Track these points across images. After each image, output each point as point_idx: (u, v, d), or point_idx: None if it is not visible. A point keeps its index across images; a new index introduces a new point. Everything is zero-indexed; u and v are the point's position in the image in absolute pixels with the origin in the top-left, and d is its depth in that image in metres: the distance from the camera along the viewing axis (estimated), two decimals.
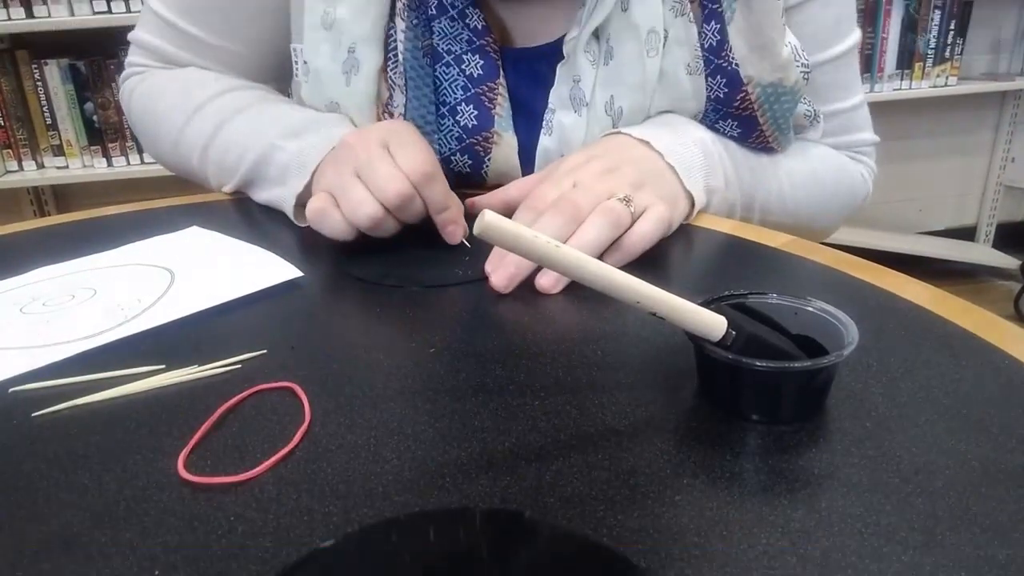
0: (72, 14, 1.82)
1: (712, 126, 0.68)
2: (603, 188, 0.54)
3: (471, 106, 0.67)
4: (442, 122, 0.68)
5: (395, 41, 0.65)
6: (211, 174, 0.71)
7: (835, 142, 0.77)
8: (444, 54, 0.66)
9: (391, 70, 0.66)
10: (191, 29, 0.73)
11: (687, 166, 0.61)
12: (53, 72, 1.93)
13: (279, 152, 0.63)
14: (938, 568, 0.26)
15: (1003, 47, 2.55)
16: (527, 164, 0.69)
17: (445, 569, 0.26)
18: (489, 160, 0.68)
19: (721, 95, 0.65)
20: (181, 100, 0.72)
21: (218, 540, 0.28)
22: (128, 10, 1.82)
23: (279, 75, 0.75)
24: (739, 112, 0.66)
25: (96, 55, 1.93)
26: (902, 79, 2.37)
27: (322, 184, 0.58)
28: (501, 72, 0.67)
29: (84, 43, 1.90)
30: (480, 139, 0.68)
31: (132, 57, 0.79)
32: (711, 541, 0.27)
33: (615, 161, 0.58)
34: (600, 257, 0.51)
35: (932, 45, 2.36)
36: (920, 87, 2.38)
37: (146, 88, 0.76)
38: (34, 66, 1.92)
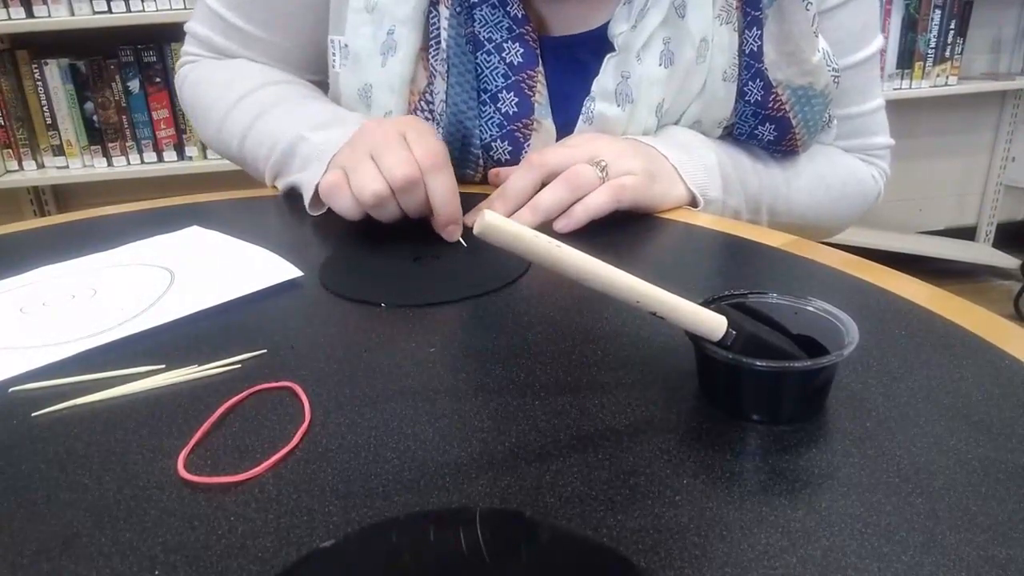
0: (72, 14, 1.81)
1: (752, 132, 0.70)
2: (585, 150, 0.57)
3: (512, 93, 0.68)
4: (483, 109, 0.69)
5: (437, 28, 0.67)
6: (249, 164, 0.74)
7: (848, 145, 0.78)
8: (485, 42, 0.68)
9: (432, 56, 0.68)
10: (238, 22, 0.76)
11: (691, 173, 0.63)
12: (53, 72, 1.93)
13: (303, 143, 0.66)
14: (938, 568, 0.26)
15: (1003, 47, 2.55)
16: None
17: (445, 569, 0.26)
18: (528, 146, 0.70)
19: (759, 97, 0.67)
20: (224, 91, 0.75)
21: (218, 540, 0.28)
22: (128, 10, 1.81)
23: (321, 67, 0.76)
24: (774, 113, 0.68)
25: (96, 55, 1.93)
26: (902, 79, 2.37)
27: (337, 162, 0.60)
28: (540, 60, 0.68)
29: (84, 43, 1.90)
30: (520, 126, 0.69)
31: (187, 47, 0.82)
32: (711, 541, 0.27)
33: (622, 140, 0.60)
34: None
35: (932, 45, 2.35)
36: (920, 87, 2.38)
37: (196, 77, 0.80)
38: (34, 66, 1.92)
